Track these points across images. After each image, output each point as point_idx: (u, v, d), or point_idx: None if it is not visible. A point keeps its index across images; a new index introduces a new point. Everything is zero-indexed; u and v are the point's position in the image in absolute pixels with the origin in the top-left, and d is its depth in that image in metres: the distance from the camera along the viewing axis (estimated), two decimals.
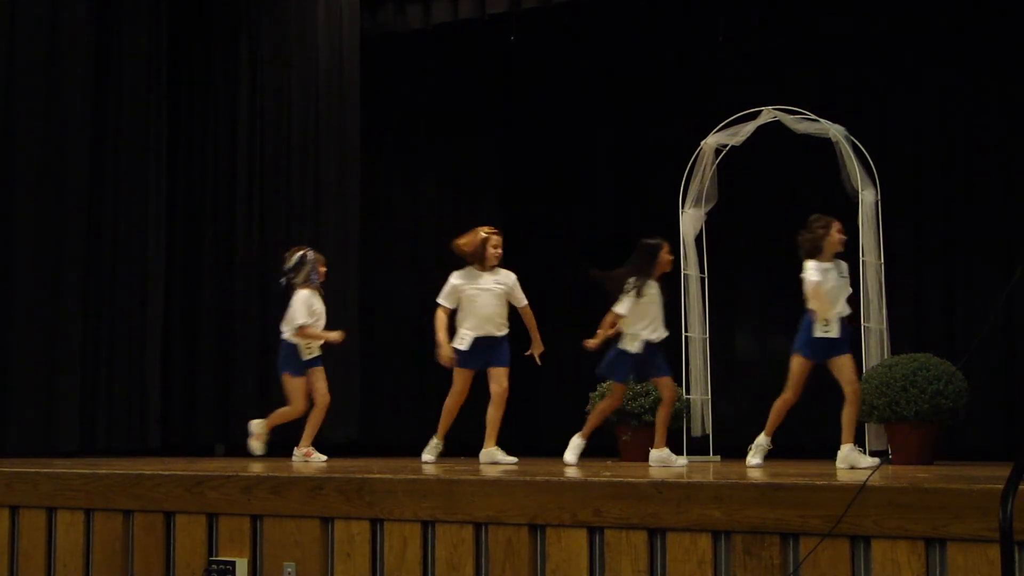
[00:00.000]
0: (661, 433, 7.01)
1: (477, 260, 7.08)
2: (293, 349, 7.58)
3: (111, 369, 9.10)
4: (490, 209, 11.51)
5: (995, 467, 6.01)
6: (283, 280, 7.68)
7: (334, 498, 4.87)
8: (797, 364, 6.54)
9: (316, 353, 7.63)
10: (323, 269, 7.72)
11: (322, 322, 7.63)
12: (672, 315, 8.41)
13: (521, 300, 7.17)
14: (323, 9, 9.80)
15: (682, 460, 7.15)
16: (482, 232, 7.12)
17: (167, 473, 5.31)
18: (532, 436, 10.60)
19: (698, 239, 8.66)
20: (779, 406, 6.65)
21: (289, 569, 4.92)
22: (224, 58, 10.05)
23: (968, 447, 8.63)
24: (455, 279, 7.11)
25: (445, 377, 7.22)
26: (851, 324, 6.75)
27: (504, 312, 7.12)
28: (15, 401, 8.41)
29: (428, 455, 7.21)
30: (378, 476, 4.87)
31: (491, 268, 7.10)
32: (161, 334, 9.48)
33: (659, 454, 6.95)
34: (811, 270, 6.47)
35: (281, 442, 7.97)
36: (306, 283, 7.59)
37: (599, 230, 11.59)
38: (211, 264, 9.86)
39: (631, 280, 6.90)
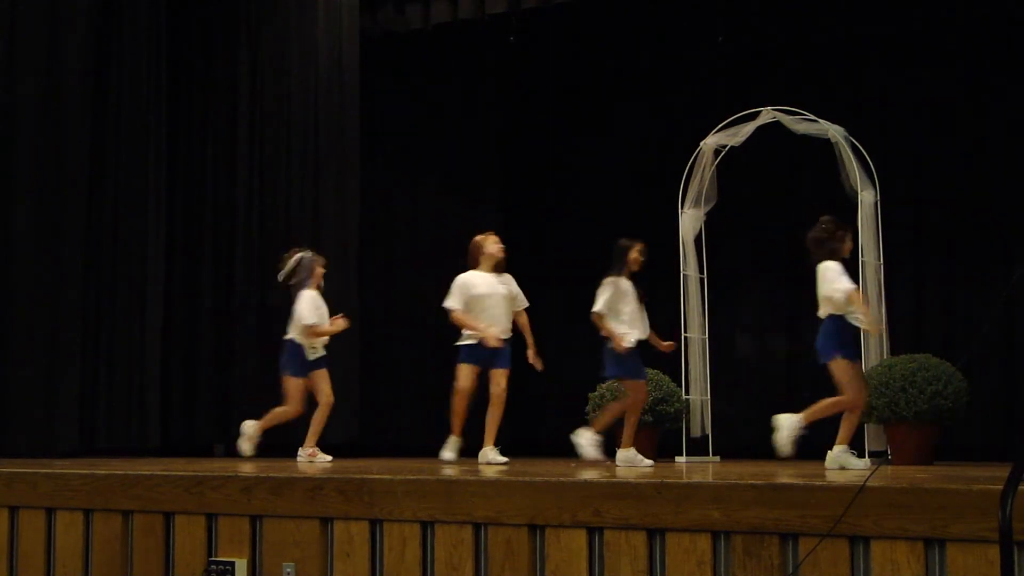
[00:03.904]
0: (628, 433, 6.97)
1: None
2: (298, 350, 7.59)
3: (111, 369, 9.10)
4: (490, 209, 11.50)
5: (995, 467, 6.00)
6: (287, 282, 7.73)
7: (333, 498, 4.86)
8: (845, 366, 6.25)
9: (320, 353, 7.67)
10: (321, 270, 7.76)
11: (326, 322, 7.68)
12: (672, 315, 8.43)
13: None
14: (323, 9, 9.80)
15: (648, 461, 7.04)
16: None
17: (167, 473, 5.31)
18: (532, 436, 10.60)
19: (697, 239, 8.66)
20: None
21: (288, 569, 4.91)
22: (224, 58, 10.06)
23: (968, 447, 8.63)
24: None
25: (443, 376, 7.23)
26: None
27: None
28: (15, 401, 8.42)
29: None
30: (378, 476, 4.87)
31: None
32: (161, 334, 9.47)
33: (625, 454, 6.92)
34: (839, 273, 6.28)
35: (281, 443, 7.97)
36: (305, 285, 7.64)
37: (599, 231, 11.56)
38: (211, 264, 9.86)
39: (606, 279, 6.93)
